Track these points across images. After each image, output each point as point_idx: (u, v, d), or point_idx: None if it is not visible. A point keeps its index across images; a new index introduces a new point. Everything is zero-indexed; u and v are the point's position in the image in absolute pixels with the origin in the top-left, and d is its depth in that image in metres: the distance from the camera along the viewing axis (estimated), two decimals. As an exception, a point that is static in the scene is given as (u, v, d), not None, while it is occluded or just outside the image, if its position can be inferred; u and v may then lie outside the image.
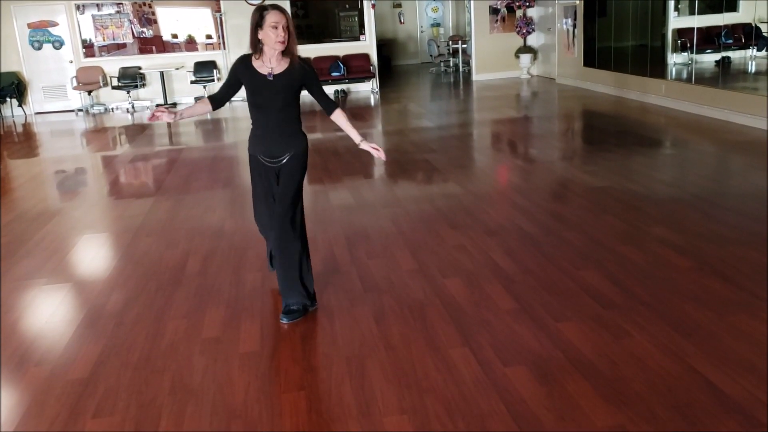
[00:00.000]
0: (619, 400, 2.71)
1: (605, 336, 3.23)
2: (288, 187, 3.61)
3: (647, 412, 2.62)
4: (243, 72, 3.54)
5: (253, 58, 3.51)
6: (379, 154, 3.70)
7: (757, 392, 2.71)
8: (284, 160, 3.60)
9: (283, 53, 3.48)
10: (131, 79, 12.98)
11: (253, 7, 3.68)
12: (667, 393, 2.74)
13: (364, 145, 3.71)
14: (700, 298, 3.57)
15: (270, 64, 3.49)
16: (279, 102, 3.53)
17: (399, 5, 19.35)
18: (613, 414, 2.63)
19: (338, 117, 3.71)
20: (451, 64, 16.90)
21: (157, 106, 3.46)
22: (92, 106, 13.10)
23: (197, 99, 13.23)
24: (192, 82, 13.17)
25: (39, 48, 13.06)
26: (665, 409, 2.64)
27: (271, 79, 3.49)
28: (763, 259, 4.03)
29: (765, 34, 8.77)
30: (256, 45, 3.46)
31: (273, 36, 3.38)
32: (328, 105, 3.68)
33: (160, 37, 13.31)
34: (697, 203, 5.18)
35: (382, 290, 3.93)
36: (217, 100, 3.69)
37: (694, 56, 9.61)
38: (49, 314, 3.93)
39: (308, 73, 3.59)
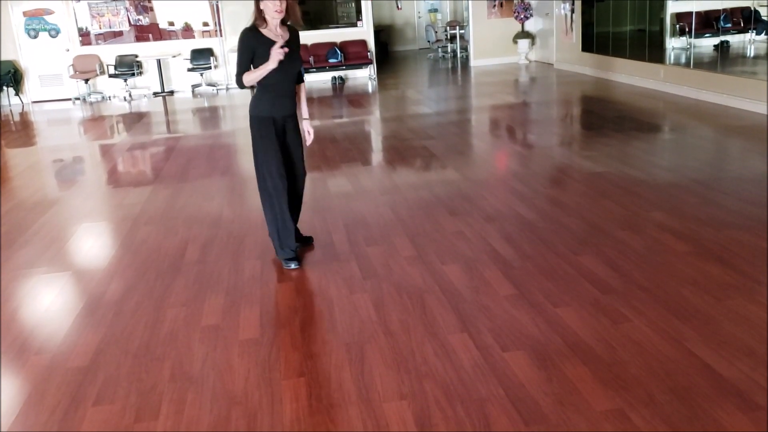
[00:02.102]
0: (617, 384, 2.73)
1: (603, 321, 3.25)
2: (299, 147, 4.14)
3: (645, 396, 2.64)
4: (256, 42, 3.79)
5: (259, 28, 3.79)
6: (308, 139, 4.21)
7: (755, 375, 2.72)
8: (292, 117, 4.05)
9: (283, 23, 3.85)
10: (128, 67, 12.92)
11: None
12: (665, 377, 2.76)
13: (305, 124, 4.19)
14: (698, 283, 3.58)
15: (277, 32, 3.81)
16: (293, 67, 3.92)
17: (396, -9, 19.25)
18: (611, 398, 2.64)
19: (300, 89, 4.15)
20: (449, 50, 16.84)
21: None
22: (89, 94, 13.06)
23: (194, 87, 13.22)
24: (189, 70, 13.12)
25: (35, 36, 12.99)
26: (663, 392, 2.65)
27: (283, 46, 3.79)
28: (761, 243, 4.04)
29: (764, 18, 8.73)
30: (260, 15, 3.77)
31: (272, 6, 3.71)
32: (299, 77, 4.09)
33: (157, 24, 13.24)
34: (695, 188, 5.18)
35: (381, 277, 3.94)
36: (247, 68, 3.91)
37: (693, 40, 9.57)
38: (48, 303, 3.93)
39: (298, 42, 4.00)
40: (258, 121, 3.95)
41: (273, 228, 4.12)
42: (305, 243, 4.44)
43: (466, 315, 3.40)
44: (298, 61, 3.97)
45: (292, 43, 3.89)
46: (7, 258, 4.68)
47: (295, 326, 3.45)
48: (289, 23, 3.92)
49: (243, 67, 3.84)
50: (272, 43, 3.75)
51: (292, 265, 4.13)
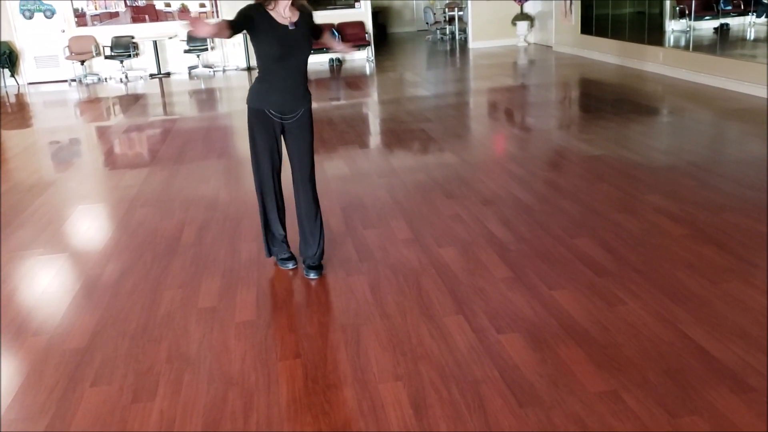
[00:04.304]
0: (612, 366, 2.75)
1: (599, 303, 3.26)
2: (305, 148, 3.66)
3: (639, 378, 2.65)
4: (260, 20, 3.35)
5: (266, 8, 3.37)
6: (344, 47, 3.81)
7: (749, 358, 2.74)
8: (296, 117, 3.58)
9: (293, 4, 3.42)
10: (124, 48, 12.83)
11: None
12: (659, 359, 2.77)
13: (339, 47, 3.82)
14: (693, 266, 3.59)
15: (285, 14, 3.40)
16: (304, 54, 3.51)
17: (395, -28, 19.07)
18: (605, 379, 2.66)
19: (326, 37, 3.72)
20: (448, 32, 16.74)
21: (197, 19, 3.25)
22: (85, 76, 12.98)
23: (191, 68, 13.14)
24: (185, 52, 13.03)
25: (30, 17, 12.88)
26: (657, 374, 2.67)
27: (292, 29, 3.41)
28: (758, 226, 4.04)
29: (764, 1, 8.68)
30: None
31: None
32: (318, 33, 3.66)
33: (153, 5, 13.13)
34: (692, 171, 5.18)
35: (378, 259, 3.95)
36: (234, 29, 3.29)
37: (693, 23, 9.52)
38: (45, 284, 3.94)
39: (311, 17, 3.56)
40: (250, 113, 3.56)
41: (263, 233, 3.86)
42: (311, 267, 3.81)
43: (462, 297, 3.41)
44: (306, 49, 3.50)
45: (303, 26, 3.45)
46: (3, 239, 4.67)
47: (292, 308, 3.46)
48: (300, 4, 3.48)
49: (231, 21, 3.27)
50: (278, 25, 3.36)
51: (290, 265, 3.88)
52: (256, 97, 3.56)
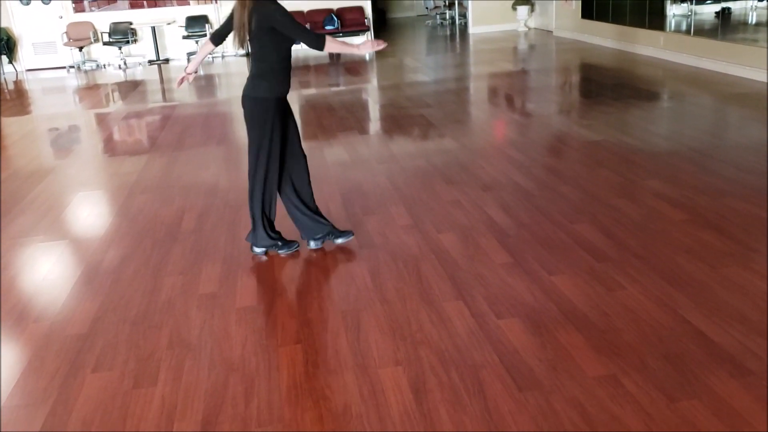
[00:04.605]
0: (611, 350, 2.76)
1: (598, 288, 3.27)
2: (296, 123, 3.89)
3: (638, 362, 2.66)
4: None
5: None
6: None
7: (748, 342, 2.75)
8: (286, 98, 3.81)
9: None
10: (122, 34, 12.77)
11: None
12: (658, 343, 2.78)
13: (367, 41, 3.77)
14: (693, 250, 3.59)
15: None
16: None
17: (394, -44, 18.94)
18: (604, 364, 2.67)
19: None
20: (448, 17, 16.66)
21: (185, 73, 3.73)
22: (84, 62, 12.92)
23: (190, 54, 13.07)
24: (184, 37, 12.97)
25: (28, 3, 12.80)
26: (656, 359, 2.68)
27: None
28: (757, 211, 4.04)
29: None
30: None
31: None
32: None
33: (151, -10, 13.07)
34: (692, 156, 5.17)
35: (378, 246, 3.95)
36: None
37: (694, 7, 9.47)
38: (46, 271, 3.94)
39: None
40: (268, 104, 3.61)
41: (262, 224, 3.82)
42: (337, 236, 3.98)
43: (462, 283, 3.42)
44: None
45: None
46: (3, 226, 4.68)
47: (292, 294, 3.47)
48: None
49: (307, 28, 3.62)
50: None
51: (295, 246, 3.93)
52: (273, 87, 3.64)
